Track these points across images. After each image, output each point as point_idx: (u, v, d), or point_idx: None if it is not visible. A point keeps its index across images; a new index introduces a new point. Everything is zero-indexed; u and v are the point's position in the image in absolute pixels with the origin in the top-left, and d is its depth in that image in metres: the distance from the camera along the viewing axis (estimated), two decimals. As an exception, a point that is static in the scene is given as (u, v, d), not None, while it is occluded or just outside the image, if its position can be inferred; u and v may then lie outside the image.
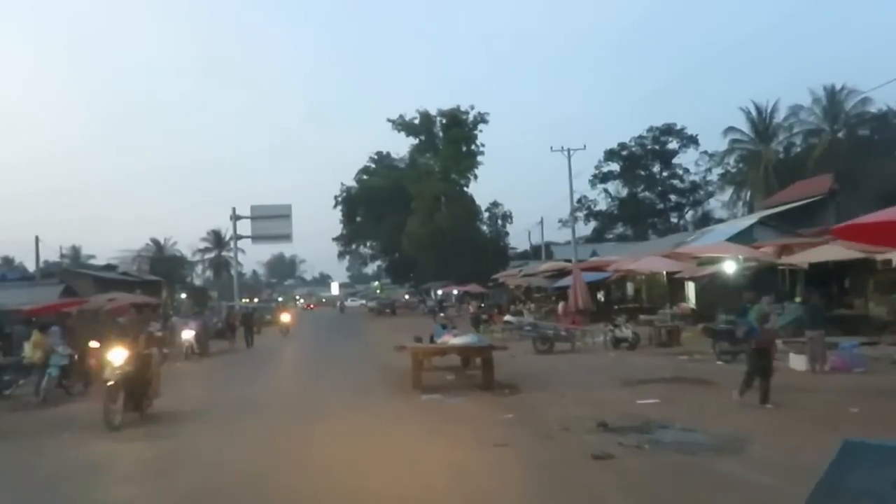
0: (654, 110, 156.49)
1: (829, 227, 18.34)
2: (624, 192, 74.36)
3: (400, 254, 70.02)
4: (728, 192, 66.60)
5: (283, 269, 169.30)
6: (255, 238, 53.16)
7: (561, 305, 39.91)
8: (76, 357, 17.31)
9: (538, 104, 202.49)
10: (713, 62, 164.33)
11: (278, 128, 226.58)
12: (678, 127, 70.16)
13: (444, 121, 64.00)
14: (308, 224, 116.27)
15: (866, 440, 3.56)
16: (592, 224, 76.16)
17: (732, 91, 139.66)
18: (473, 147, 63.93)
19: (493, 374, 15.24)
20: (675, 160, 70.97)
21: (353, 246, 77.52)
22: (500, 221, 69.07)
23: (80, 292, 43.16)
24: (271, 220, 52.12)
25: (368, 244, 77.04)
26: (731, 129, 59.58)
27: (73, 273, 53.09)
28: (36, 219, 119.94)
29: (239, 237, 52.98)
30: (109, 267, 68.18)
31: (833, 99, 54.29)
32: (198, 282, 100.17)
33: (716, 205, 70.78)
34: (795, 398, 12.23)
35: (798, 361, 16.16)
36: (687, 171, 70.49)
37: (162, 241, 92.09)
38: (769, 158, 56.59)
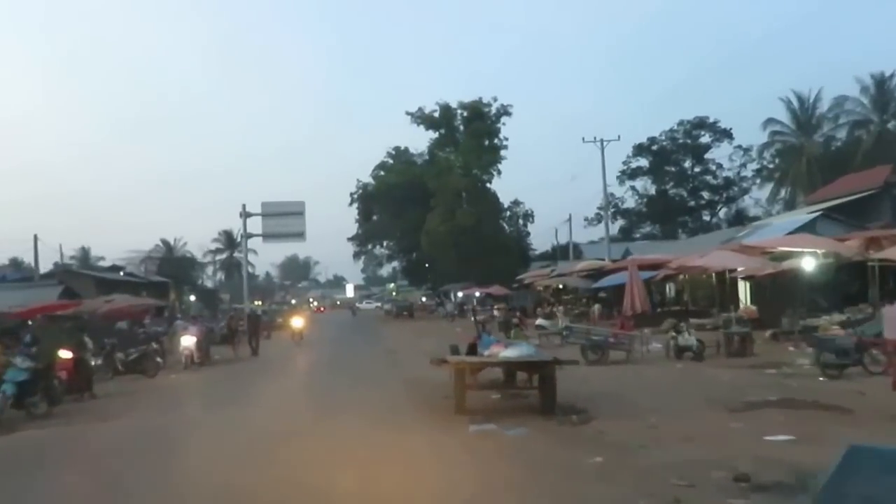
0: (683, 103, 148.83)
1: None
2: (652, 190, 71.05)
3: (418, 254, 66.84)
4: (763, 188, 63.64)
5: (296, 270, 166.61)
6: (267, 236, 50.18)
7: (596, 308, 36.80)
8: (40, 370, 14.30)
9: (558, 98, 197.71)
10: (745, 52, 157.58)
11: (292, 128, 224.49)
12: (711, 120, 66.68)
13: (465, 114, 60.74)
14: (323, 225, 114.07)
15: (872, 445, 3.61)
16: (619, 223, 72.88)
17: (766, 82, 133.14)
18: (496, 141, 60.62)
19: (556, 395, 12.05)
20: (708, 155, 67.48)
21: (369, 246, 74.25)
22: (520, 221, 65.82)
23: (81, 294, 40.50)
24: (283, 218, 49.16)
25: (385, 244, 73.73)
26: (770, 120, 56.39)
27: (73, 274, 50.44)
28: (49, 221, 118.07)
29: (249, 235, 50.00)
30: (115, 268, 65.55)
31: (882, 88, 50.90)
32: (209, 284, 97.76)
33: (749, 202, 67.57)
34: None
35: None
36: (720, 166, 67.01)
37: (172, 242, 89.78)
38: (812, 151, 53.16)
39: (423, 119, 61.23)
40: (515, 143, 62.99)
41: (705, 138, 67.26)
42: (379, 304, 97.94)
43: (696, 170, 68.44)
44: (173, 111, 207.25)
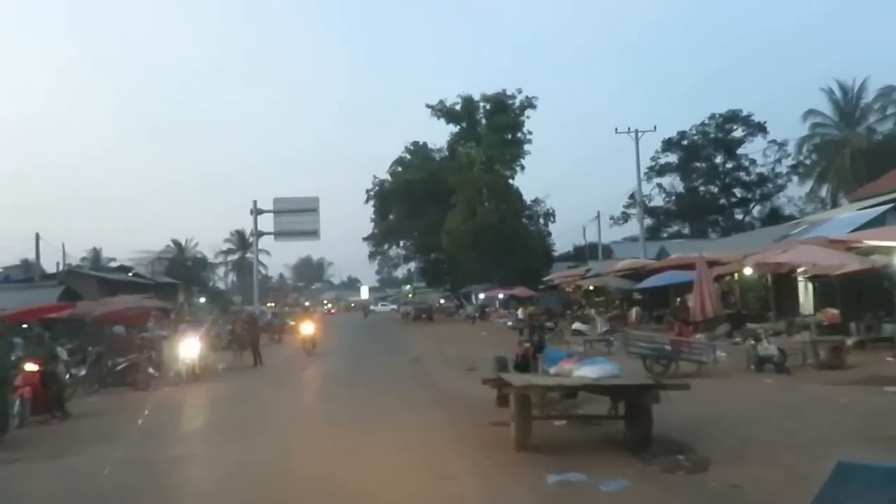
0: (714, 97, 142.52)
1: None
2: (680, 187, 67.74)
3: (436, 254, 63.98)
4: (800, 185, 60.26)
5: (310, 272, 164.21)
6: (279, 235, 47.73)
7: (634, 311, 33.76)
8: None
9: (578, 92, 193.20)
10: (779, 41, 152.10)
11: (308, 128, 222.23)
12: (744, 113, 63.19)
13: (487, 106, 57.87)
14: (337, 226, 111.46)
15: (860, 462, 3.52)
16: (645, 222, 69.37)
17: (803, 73, 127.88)
18: (520, 135, 57.68)
19: (651, 430, 9.07)
20: (741, 150, 63.92)
21: (385, 246, 71.46)
22: (541, 220, 62.78)
23: (83, 295, 37.97)
24: (296, 215, 46.63)
25: (401, 244, 70.87)
26: (811, 112, 52.96)
27: (76, 274, 47.85)
28: (64, 223, 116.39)
29: (260, 234, 47.51)
30: (123, 269, 63.02)
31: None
32: (220, 285, 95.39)
33: (782, 200, 64.11)
34: None
35: None
36: (753, 162, 63.49)
37: (183, 243, 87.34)
38: (856, 144, 49.77)
39: (443, 112, 58.43)
40: (536, 137, 60.04)
41: (738, 132, 63.80)
42: (394, 307, 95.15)
43: (729, 165, 64.94)
44: (189, 112, 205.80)
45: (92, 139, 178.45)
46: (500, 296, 54.67)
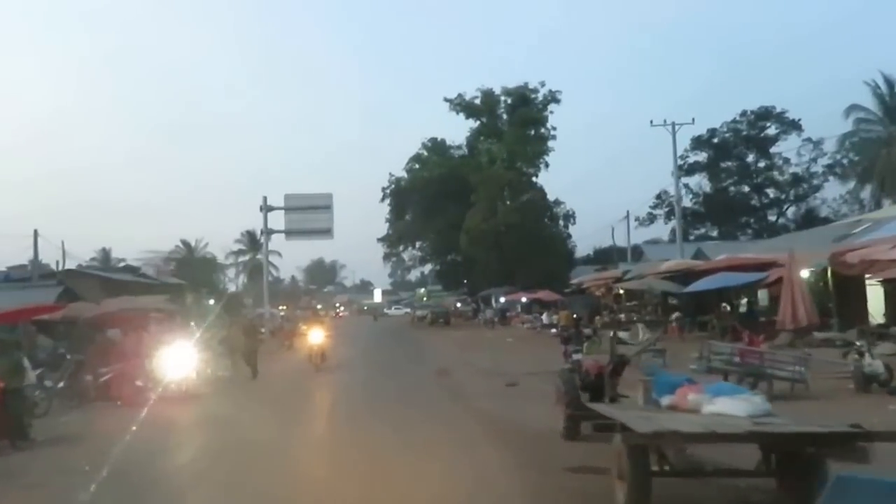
0: (743, 93, 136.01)
1: None
2: (707, 187, 64.68)
3: (454, 255, 61.20)
4: (840, 183, 57.20)
5: (322, 274, 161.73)
6: (290, 233, 45.17)
7: (675, 317, 30.93)
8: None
9: (595, 92, 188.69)
10: (813, 35, 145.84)
11: (321, 130, 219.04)
12: (777, 110, 60.14)
13: (509, 100, 55.15)
14: (351, 228, 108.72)
15: (857, 475, 3.67)
16: (671, 224, 66.38)
17: (840, 68, 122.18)
18: (543, 130, 54.92)
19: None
20: (774, 149, 60.87)
21: (400, 247, 68.70)
22: (561, 221, 59.84)
23: (84, 296, 35.49)
24: (309, 213, 44.08)
25: (417, 245, 68.04)
26: (854, 107, 49.78)
27: (77, 274, 45.29)
28: (78, 224, 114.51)
29: (270, 232, 44.90)
30: (129, 269, 60.62)
31: None
32: (231, 287, 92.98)
33: (816, 201, 60.94)
34: None
35: None
36: (787, 161, 60.38)
37: (193, 243, 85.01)
38: (904, 141, 46.75)
39: (462, 106, 55.79)
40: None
41: (771, 130, 60.81)
42: (408, 310, 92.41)
43: (761, 165, 61.95)
44: (203, 113, 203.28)
45: (105, 141, 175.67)
46: (523, 299, 51.76)
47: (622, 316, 37.41)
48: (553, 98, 54.86)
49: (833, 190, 59.60)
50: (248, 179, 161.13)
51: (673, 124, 37.74)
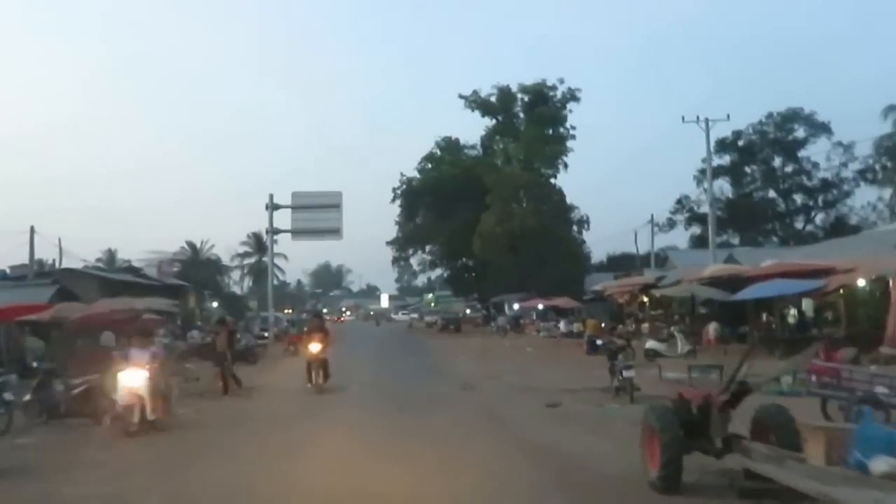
0: (769, 94, 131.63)
1: None
2: (728, 192, 62.00)
3: (468, 258, 58.81)
4: (866, 190, 54.77)
5: (329, 278, 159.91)
6: (297, 233, 42.85)
7: (712, 327, 28.43)
8: None
9: (605, 96, 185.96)
10: (840, 36, 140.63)
11: (330, 133, 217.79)
12: (806, 112, 57.49)
13: (526, 98, 52.78)
14: (358, 233, 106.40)
15: None
16: (691, 230, 63.76)
17: (871, 68, 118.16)
18: (562, 130, 52.53)
19: None
20: (802, 152, 58.10)
21: (410, 251, 66.31)
22: (575, 227, 57.36)
23: (80, 296, 33.38)
24: (316, 212, 41.69)
25: (427, 249, 65.60)
26: (892, 108, 47.36)
27: (74, 273, 43.13)
28: (90, 226, 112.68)
29: (276, 231, 42.57)
30: (131, 269, 58.43)
31: None
32: (236, 290, 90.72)
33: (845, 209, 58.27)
34: None
35: None
36: (816, 165, 57.68)
37: (198, 245, 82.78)
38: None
39: (478, 103, 53.54)
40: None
41: (799, 133, 58.19)
42: (415, 316, 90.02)
43: (788, 169, 59.30)
44: (213, 117, 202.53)
45: (116, 145, 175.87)
46: (539, 306, 49.32)
47: (673, 328, 34.24)
48: (572, 96, 52.64)
49: (862, 196, 57.26)
50: (257, 182, 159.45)
51: (706, 120, 35.43)
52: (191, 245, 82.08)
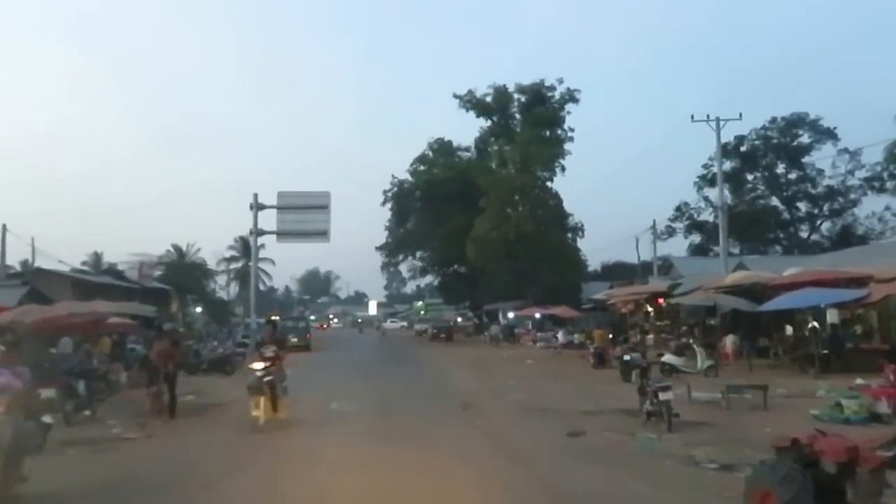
0: (772, 100, 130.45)
1: None
2: (729, 200, 60.06)
3: (460, 265, 56.66)
4: (874, 198, 53.02)
5: (316, 285, 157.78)
6: (282, 235, 40.26)
7: (729, 340, 26.40)
8: None
9: (602, 100, 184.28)
10: (847, 40, 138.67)
11: (317, 138, 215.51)
12: (811, 117, 55.72)
13: (523, 99, 50.78)
14: (346, 239, 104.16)
15: None
16: (690, 238, 61.88)
17: (877, 73, 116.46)
18: (560, 132, 50.55)
19: None
20: (806, 159, 56.29)
21: (400, 256, 64.09)
22: (569, 234, 55.21)
23: (53, 298, 31.14)
24: (303, 213, 39.20)
25: (418, 254, 63.35)
26: (904, 112, 45.76)
27: (45, 273, 40.78)
28: (75, 230, 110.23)
29: (261, 232, 40.10)
30: (112, 272, 55.96)
31: None
32: (223, 295, 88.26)
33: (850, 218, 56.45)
34: None
35: None
36: (821, 172, 55.92)
37: (184, 248, 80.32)
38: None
39: (473, 104, 51.46)
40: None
41: (804, 138, 56.42)
42: (404, 324, 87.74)
43: (792, 176, 57.53)
44: (199, 121, 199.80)
45: (102, 148, 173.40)
46: (536, 315, 47.18)
47: (689, 340, 31.90)
48: (571, 97, 50.69)
49: (868, 206, 55.52)
50: (244, 186, 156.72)
51: (717, 120, 33.47)
52: (176, 248, 79.70)
